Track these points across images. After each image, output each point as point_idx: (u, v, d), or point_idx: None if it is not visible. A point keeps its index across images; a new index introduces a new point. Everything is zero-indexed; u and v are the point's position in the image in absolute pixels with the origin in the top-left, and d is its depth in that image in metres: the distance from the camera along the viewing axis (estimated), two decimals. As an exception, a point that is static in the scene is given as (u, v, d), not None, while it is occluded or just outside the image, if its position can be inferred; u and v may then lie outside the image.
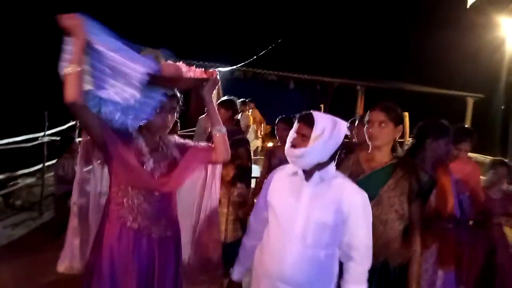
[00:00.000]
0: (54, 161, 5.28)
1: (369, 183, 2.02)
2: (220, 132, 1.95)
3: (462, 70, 14.35)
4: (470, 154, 3.53)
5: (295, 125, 1.81)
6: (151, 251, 1.89)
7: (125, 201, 1.85)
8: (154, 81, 1.71)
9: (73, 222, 2.92)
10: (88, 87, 1.70)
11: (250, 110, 8.08)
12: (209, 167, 2.11)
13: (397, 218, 2.04)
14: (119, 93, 1.72)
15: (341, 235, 1.76)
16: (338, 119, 1.79)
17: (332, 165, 1.81)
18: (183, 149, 1.99)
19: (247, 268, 2.04)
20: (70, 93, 1.64)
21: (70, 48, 1.65)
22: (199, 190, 2.12)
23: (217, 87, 1.97)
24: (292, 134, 1.81)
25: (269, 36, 11.89)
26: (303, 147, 1.72)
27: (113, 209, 1.88)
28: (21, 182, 5.97)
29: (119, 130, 1.80)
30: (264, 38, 11.89)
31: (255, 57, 10.61)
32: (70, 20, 1.63)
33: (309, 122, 1.74)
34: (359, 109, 12.20)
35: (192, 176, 2.01)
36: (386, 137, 2.12)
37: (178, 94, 1.93)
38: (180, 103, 1.95)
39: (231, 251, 2.25)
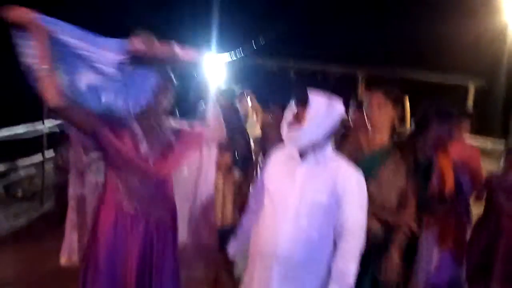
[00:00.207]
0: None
1: (368, 164, 2.03)
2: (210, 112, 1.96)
3: (464, 56, 14.22)
4: (471, 139, 3.53)
5: (292, 104, 1.80)
6: (148, 235, 1.90)
7: (120, 186, 1.85)
8: (142, 59, 1.69)
9: (71, 215, 2.94)
10: (64, 82, 1.68)
11: (250, 101, 8.01)
12: (205, 151, 2.11)
13: (395, 198, 2.05)
14: (97, 77, 1.70)
15: (335, 216, 1.76)
16: (334, 98, 1.77)
17: (329, 146, 1.80)
18: (178, 132, 1.99)
19: (243, 244, 2.04)
20: (51, 97, 1.62)
21: (29, 43, 1.60)
22: (195, 174, 2.12)
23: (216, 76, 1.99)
24: (288, 114, 1.80)
25: (270, 25, 11.79)
26: (299, 127, 1.71)
27: (108, 196, 1.88)
28: (22, 173, 5.98)
29: (110, 116, 1.79)
30: (264, 27, 11.78)
31: (254, 47, 10.53)
32: (21, 14, 1.57)
33: (304, 102, 1.74)
34: (360, 98, 12.07)
35: (188, 160, 2.01)
36: (385, 119, 2.13)
37: (173, 78, 1.92)
38: (175, 86, 1.94)
39: (228, 237, 2.25)
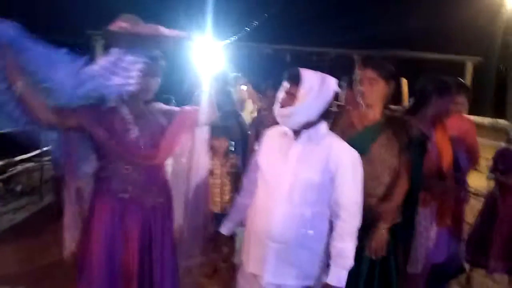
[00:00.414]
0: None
1: (360, 140, 2.02)
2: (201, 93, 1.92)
3: (460, 34, 14.10)
4: (469, 116, 3.50)
5: (284, 84, 1.78)
6: (145, 220, 1.89)
7: (114, 173, 1.84)
8: (127, 40, 1.66)
9: (69, 208, 2.92)
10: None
11: (245, 86, 7.96)
12: (197, 134, 2.09)
13: (388, 174, 2.04)
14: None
15: (329, 194, 1.76)
16: (326, 76, 1.76)
17: (323, 124, 1.79)
18: (169, 115, 1.96)
19: (236, 224, 2.08)
20: (40, 114, 1.60)
21: None
22: (188, 158, 2.11)
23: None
24: (280, 94, 1.79)
25: (262, 8, 11.67)
26: (291, 106, 1.70)
27: (102, 184, 1.87)
28: (21, 167, 5.98)
29: (98, 103, 1.77)
30: (256, 10, 11.66)
31: (247, 29, 10.43)
32: None
33: (296, 80, 1.72)
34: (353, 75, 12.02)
35: (181, 142, 1.99)
36: (377, 94, 2.10)
37: (162, 59, 1.89)
38: (163, 67, 1.90)
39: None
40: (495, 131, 7.19)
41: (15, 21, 1.58)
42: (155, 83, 1.88)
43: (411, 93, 2.66)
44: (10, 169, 5.82)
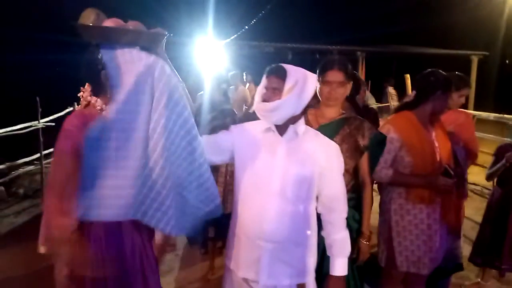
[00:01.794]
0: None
1: None
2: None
3: (465, 28, 13.99)
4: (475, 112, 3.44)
5: (264, 79, 1.74)
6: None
7: None
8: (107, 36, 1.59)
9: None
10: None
11: (248, 84, 7.95)
12: None
13: (343, 173, 2.01)
14: None
15: (316, 188, 1.76)
16: (308, 72, 1.75)
17: (303, 119, 1.78)
18: None
19: None
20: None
21: None
22: None
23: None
24: (261, 89, 1.74)
25: (261, 5, 11.62)
26: (277, 100, 1.67)
27: None
28: (22, 171, 5.99)
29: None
30: (255, 8, 11.62)
31: (246, 27, 10.40)
32: None
33: (280, 75, 1.69)
34: (361, 75, 11.98)
35: None
36: (344, 95, 2.13)
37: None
38: None
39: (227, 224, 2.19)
40: (500, 126, 7.10)
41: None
42: None
43: (413, 87, 2.59)
44: (12, 172, 5.84)
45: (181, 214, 1.61)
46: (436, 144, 2.39)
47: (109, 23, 1.62)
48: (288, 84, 1.67)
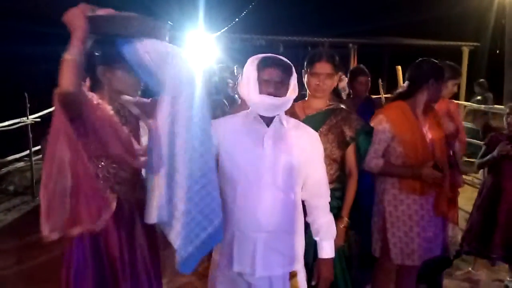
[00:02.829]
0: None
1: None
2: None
3: (455, 20, 14.02)
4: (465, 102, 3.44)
5: (264, 70, 1.68)
6: (131, 216, 1.83)
7: (99, 172, 1.77)
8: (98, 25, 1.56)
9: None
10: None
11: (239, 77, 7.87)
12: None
13: (328, 163, 2.07)
14: None
15: (305, 175, 1.78)
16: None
17: None
18: (140, 105, 1.88)
19: None
20: (65, 83, 1.48)
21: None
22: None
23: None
24: (262, 81, 1.68)
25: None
26: (284, 96, 1.68)
27: (87, 184, 1.79)
28: (12, 168, 5.92)
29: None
30: (246, 1, 11.53)
31: (237, 19, 10.33)
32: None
33: (286, 69, 1.69)
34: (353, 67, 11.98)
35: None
36: (331, 86, 2.15)
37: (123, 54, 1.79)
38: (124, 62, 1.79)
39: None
40: (491, 117, 7.15)
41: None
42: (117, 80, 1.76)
43: (404, 77, 2.58)
44: (2, 169, 5.77)
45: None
46: (430, 136, 2.38)
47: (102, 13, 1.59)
48: (293, 80, 1.70)
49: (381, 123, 2.35)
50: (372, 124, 2.33)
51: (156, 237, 1.97)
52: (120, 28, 1.59)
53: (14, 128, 5.58)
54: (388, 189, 2.40)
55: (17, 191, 5.59)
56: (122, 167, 1.79)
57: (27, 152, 5.76)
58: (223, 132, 1.76)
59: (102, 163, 1.76)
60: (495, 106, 6.49)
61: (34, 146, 5.65)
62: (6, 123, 5.50)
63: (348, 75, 3.39)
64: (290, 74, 1.69)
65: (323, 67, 2.09)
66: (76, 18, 1.51)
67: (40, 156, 5.61)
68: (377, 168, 2.37)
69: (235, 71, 8.33)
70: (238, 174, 1.72)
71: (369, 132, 2.23)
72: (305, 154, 1.76)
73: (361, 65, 3.50)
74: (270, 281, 1.75)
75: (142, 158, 1.78)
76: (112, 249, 1.79)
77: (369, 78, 3.51)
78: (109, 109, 1.74)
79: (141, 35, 1.62)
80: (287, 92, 1.69)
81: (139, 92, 1.86)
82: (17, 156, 6.00)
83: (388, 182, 2.40)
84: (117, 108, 1.80)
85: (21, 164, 6.10)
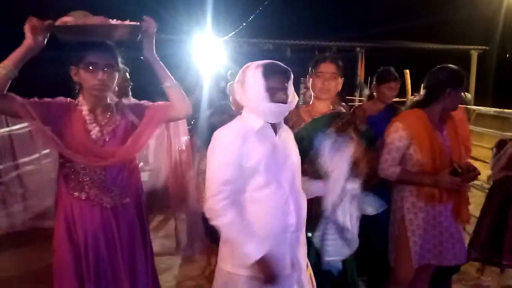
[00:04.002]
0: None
1: (310, 130, 2.13)
2: (172, 88, 1.86)
3: (464, 23, 13.94)
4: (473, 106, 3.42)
5: (271, 78, 1.69)
6: (105, 221, 1.82)
7: (71, 172, 1.79)
8: (76, 32, 1.64)
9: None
10: None
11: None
12: (171, 125, 2.06)
13: None
14: None
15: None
16: None
17: None
18: (139, 110, 1.90)
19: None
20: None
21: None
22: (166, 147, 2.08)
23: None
24: (271, 90, 1.69)
25: (259, 2, 11.58)
26: (289, 102, 1.74)
27: (61, 183, 1.82)
28: (21, 171, 5.96)
29: (53, 103, 1.76)
30: (254, 5, 11.58)
31: (244, 24, 10.37)
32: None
33: (288, 74, 1.74)
34: (360, 72, 11.97)
35: (152, 136, 1.93)
36: (336, 89, 2.21)
37: (116, 50, 1.83)
38: (119, 61, 1.84)
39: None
40: (500, 120, 7.07)
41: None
42: (109, 76, 1.78)
43: (418, 85, 2.56)
44: (12, 172, 5.81)
45: None
46: (448, 143, 2.36)
47: (95, 20, 1.65)
48: (291, 84, 1.74)
49: (397, 130, 2.32)
50: (388, 132, 2.32)
51: (146, 236, 1.99)
52: (96, 35, 1.72)
53: (24, 132, 5.63)
54: (407, 197, 2.36)
55: (25, 194, 5.62)
56: (92, 170, 1.80)
57: (37, 155, 5.81)
58: (247, 145, 1.70)
59: (72, 163, 1.79)
60: (505, 110, 6.42)
61: (43, 149, 5.70)
62: (17, 126, 5.56)
63: (375, 77, 3.28)
64: (290, 78, 1.74)
65: (327, 67, 2.17)
66: (26, 31, 1.62)
67: (49, 160, 5.64)
68: (394, 176, 2.34)
69: (228, 77, 8.33)
70: (261, 180, 1.71)
71: (369, 138, 2.27)
72: (296, 152, 1.86)
73: (391, 68, 3.34)
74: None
75: (114, 159, 1.80)
76: (84, 252, 1.80)
77: (399, 84, 3.33)
78: (83, 108, 1.78)
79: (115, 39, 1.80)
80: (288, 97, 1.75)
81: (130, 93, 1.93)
82: (26, 159, 6.04)
83: (406, 190, 2.37)
84: (100, 109, 1.83)
85: (31, 167, 6.14)
